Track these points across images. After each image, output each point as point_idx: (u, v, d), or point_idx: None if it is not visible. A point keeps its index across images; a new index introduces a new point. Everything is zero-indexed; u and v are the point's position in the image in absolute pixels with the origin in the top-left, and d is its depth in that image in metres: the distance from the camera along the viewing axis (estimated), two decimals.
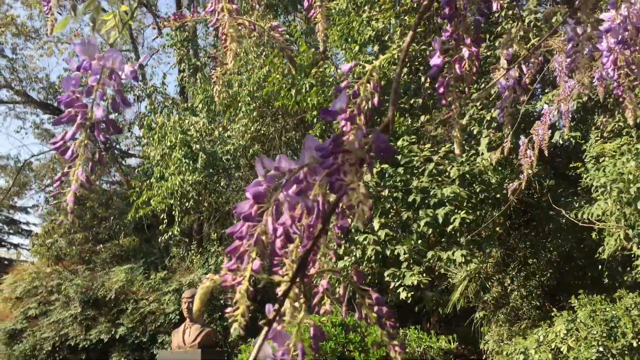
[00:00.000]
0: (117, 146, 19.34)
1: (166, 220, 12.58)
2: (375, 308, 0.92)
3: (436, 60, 1.06)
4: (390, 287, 7.73)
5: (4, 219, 26.13)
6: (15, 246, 26.51)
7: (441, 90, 1.05)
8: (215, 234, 13.55)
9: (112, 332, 12.56)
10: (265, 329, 0.84)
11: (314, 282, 1.02)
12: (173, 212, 12.16)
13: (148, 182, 12.82)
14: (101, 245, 16.18)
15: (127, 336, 12.43)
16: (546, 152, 3.55)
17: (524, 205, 10.13)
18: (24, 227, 26.11)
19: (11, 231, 26.25)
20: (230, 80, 11.96)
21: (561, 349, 6.35)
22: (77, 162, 0.95)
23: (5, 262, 23.89)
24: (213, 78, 1.46)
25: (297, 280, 0.89)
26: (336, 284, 0.97)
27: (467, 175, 7.75)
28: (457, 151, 1.13)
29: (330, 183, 0.79)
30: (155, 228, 14.40)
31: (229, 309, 0.82)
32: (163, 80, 23.22)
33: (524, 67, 1.61)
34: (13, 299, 14.50)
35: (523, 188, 3.89)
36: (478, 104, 8.22)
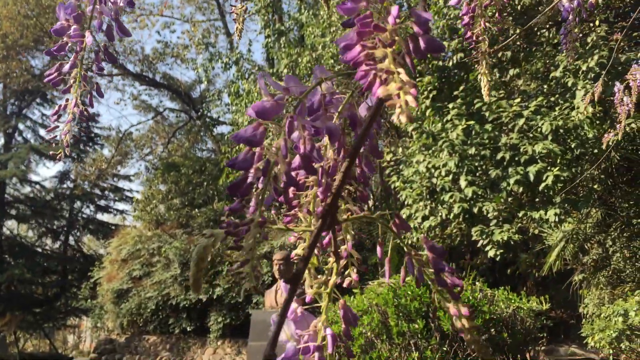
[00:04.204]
0: (209, 114, 19.88)
1: (257, 185, 12.82)
2: (430, 256, 0.73)
3: None
4: (479, 245, 7.51)
5: (109, 187, 27.83)
6: (120, 212, 28.21)
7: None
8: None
9: (210, 293, 13.09)
10: (282, 307, 0.68)
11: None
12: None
13: (237, 147, 13.10)
14: (197, 210, 16.79)
15: (224, 296, 12.92)
16: None
17: (627, 162, 9.47)
18: (128, 194, 27.69)
19: (116, 198, 27.91)
20: (314, 43, 11.90)
21: None
22: (72, 93, 0.92)
23: (112, 227, 25.53)
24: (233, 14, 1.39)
25: (325, 229, 0.70)
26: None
27: (561, 130, 7.32)
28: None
29: (360, 77, 0.61)
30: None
31: (235, 266, 0.64)
32: (249, 47, 23.61)
33: None
34: (119, 261, 15.45)
35: (619, 139, 3.60)
36: (573, 53, 7.66)
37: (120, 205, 28.62)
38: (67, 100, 0.93)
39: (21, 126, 27.14)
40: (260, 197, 0.70)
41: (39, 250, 26.92)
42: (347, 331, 0.75)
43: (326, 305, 0.75)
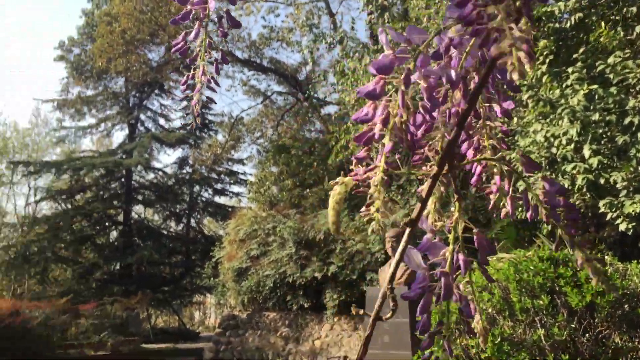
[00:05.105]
0: (315, 95, 20.04)
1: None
2: (546, 196, 0.78)
3: None
4: (607, 218, 7.06)
5: (225, 171, 29.05)
6: (236, 194, 29.40)
7: None
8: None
9: (324, 271, 13.31)
10: (407, 231, 0.76)
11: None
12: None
13: (345, 126, 13.14)
14: (308, 190, 17.08)
15: (338, 274, 13.08)
16: None
17: None
18: (242, 177, 28.78)
19: (231, 181, 29.10)
20: (418, 15, 11.62)
21: None
22: (199, 61, 0.94)
23: (229, 209, 26.69)
24: None
25: (445, 168, 0.78)
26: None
27: None
28: None
29: (473, 31, 0.63)
30: None
31: (363, 209, 0.73)
32: (352, 25, 23.53)
33: None
34: (237, 241, 16.10)
35: None
36: None
37: (235, 188, 29.84)
38: (194, 70, 0.95)
39: (142, 117, 28.91)
40: (383, 146, 0.76)
41: (165, 232, 28.69)
42: (484, 258, 0.81)
43: (453, 237, 0.82)
